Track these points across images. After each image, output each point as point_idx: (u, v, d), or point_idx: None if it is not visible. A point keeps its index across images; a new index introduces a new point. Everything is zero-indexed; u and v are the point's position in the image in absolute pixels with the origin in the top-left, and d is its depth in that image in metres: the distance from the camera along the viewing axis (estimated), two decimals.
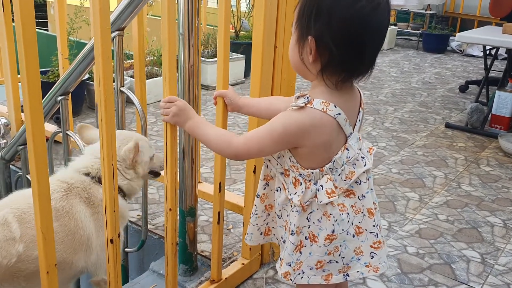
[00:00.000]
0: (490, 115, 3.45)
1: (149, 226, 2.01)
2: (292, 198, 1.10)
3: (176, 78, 1.26)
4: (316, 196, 1.08)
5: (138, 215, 2.14)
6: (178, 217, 1.72)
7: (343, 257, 1.12)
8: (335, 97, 1.04)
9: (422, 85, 4.81)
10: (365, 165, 1.10)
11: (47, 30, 6.25)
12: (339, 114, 1.03)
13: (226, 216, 2.19)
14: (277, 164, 1.13)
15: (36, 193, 0.98)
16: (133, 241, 2.01)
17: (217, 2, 1.52)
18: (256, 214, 1.23)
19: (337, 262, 1.12)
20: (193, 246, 1.75)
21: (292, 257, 1.13)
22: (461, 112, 3.93)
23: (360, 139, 1.11)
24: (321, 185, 1.07)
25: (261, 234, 1.26)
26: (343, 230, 1.09)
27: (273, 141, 1.06)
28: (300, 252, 1.12)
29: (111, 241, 1.16)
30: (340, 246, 1.11)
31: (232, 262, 1.77)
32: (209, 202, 2.20)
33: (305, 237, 1.11)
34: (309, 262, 1.12)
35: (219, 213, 1.52)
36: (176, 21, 1.50)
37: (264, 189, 1.20)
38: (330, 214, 1.08)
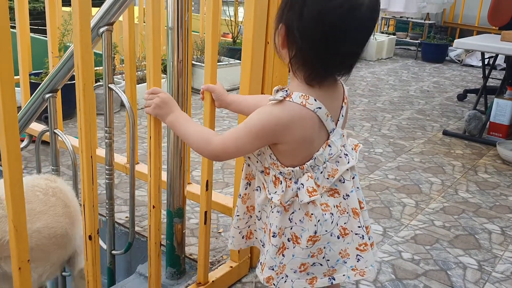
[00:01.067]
0: (488, 122, 3.41)
1: (137, 228, 1.96)
2: (272, 197, 1.05)
3: (160, 70, 1.21)
4: (297, 195, 1.02)
5: (126, 217, 2.09)
6: (166, 218, 1.67)
7: (328, 260, 1.07)
8: (315, 91, 0.99)
9: (420, 93, 4.78)
10: (348, 162, 1.05)
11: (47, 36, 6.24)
12: (320, 108, 0.98)
13: (217, 219, 2.14)
14: (257, 161, 1.08)
15: (8, 186, 0.94)
16: (120, 243, 1.95)
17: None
18: (238, 215, 1.18)
19: (321, 264, 1.07)
20: (180, 249, 1.70)
21: (275, 261, 1.07)
22: (459, 120, 3.89)
23: (344, 136, 1.06)
24: (302, 184, 1.02)
25: (243, 237, 1.21)
26: (326, 231, 1.04)
27: (252, 138, 1.00)
28: (283, 255, 1.07)
29: (89, 237, 1.11)
30: (324, 248, 1.05)
31: (220, 265, 1.71)
32: (200, 204, 2.14)
33: (288, 239, 1.06)
34: (292, 265, 1.06)
35: (206, 213, 1.47)
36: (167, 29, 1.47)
37: (245, 188, 1.15)
38: (312, 214, 1.02)
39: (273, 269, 1.07)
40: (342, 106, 1.05)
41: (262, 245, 1.14)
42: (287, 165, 1.03)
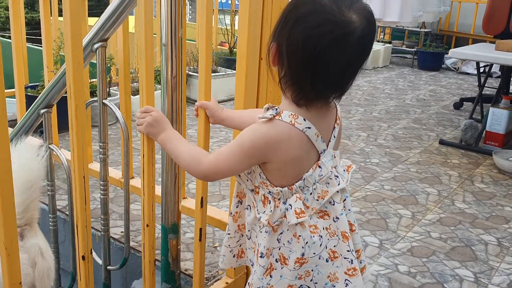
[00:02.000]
0: (484, 132, 3.42)
1: (132, 244, 1.95)
2: (260, 217, 1.03)
3: (153, 88, 1.21)
4: (285, 216, 1.01)
5: (121, 232, 2.08)
6: (160, 234, 1.67)
7: (316, 283, 1.05)
8: (305, 110, 0.98)
9: (417, 102, 4.79)
10: (339, 184, 1.03)
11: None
12: (309, 128, 0.97)
13: (213, 233, 2.13)
14: (247, 180, 1.07)
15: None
16: (115, 259, 1.94)
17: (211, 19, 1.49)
18: (229, 234, 1.17)
19: (309, 287, 1.06)
20: (176, 265, 1.69)
21: (262, 282, 1.06)
22: (455, 129, 3.90)
23: (335, 157, 1.05)
24: (290, 204, 1.01)
25: (234, 256, 1.20)
26: (314, 253, 1.02)
27: (242, 157, 1.00)
28: (271, 276, 1.05)
29: (83, 257, 1.10)
30: (312, 270, 1.03)
31: (216, 281, 1.71)
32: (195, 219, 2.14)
33: (276, 259, 1.04)
34: (280, 286, 1.04)
35: (201, 229, 1.46)
36: (155, 35, 1.47)
37: (237, 207, 1.14)
38: (300, 236, 1.01)
39: None
40: (334, 127, 1.04)
41: (252, 265, 1.13)
42: (276, 184, 1.02)
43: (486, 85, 3.87)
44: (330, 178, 1.02)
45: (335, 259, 1.04)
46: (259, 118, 0.99)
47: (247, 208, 1.09)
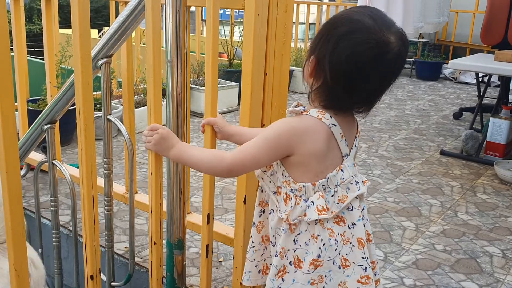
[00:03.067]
0: (485, 142, 3.43)
1: (136, 259, 1.94)
2: (281, 216, 1.05)
3: (161, 104, 1.21)
4: (305, 214, 1.03)
5: (125, 247, 2.07)
6: (166, 249, 1.66)
7: None
8: (332, 113, 1.03)
9: (416, 112, 4.80)
10: (359, 189, 1.06)
11: (43, 59, 6.27)
12: (334, 125, 1.01)
13: (217, 248, 2.12)
14: (269, 182, 1.09)
15: (9, 227, 0.93)
16: (120, 275, 1.93)
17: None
18: (253, 247, 1.17)
19: None
20: (181, 280, 1.68)
21: (273, 283, 1.06)
22: (456, 139, 3.91)
23: (355, 166, 1.08)
24: (312, 201, 1.03)
25: (259, 272, 1.19)
26: (329, 257, 1.03)
27: (268, 149, 1.02)
28: (282, 279, 1.05)
29: (91, 277, 1.10)
30: (325, 276, 1.04)
31: None
32: (199, 234, 2.13)
33: (290, 262, 1.05)
34: None
35: (207, 246, 1.45)
36: (163, 48, 1.48)
37: (260, 216, 1.15)
38: (318, 235, 1.02)
39: None
40: (355, 137, 1.09)
41: None
42: (298, 181, 1.04)
43: (485, 95, 3.88)
44: (351, 183, 1.05)
45: (346, 267, 1.05)
46: (288, 112, 1.03)
47: (270, 213, 1.11)
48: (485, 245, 2.26)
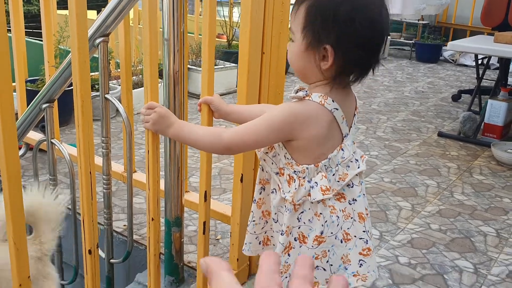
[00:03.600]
0: (482, 124, 3.44)
1: (135, 237, 1.97)
2: (285, 196, 1.07)
3: (157, 84, 1.22)
4: (309, 194, 1.05)
5: (124, 225, 2.10)
6: (164, 227, 1.68)
7: (331, 264, 1.08)
8: (334, 95, 1.03)
9: (415, 94, 4.80)
10: (358, 167, 1.08)
11: (42, 41, 6.23)
12: (337, 109, 1.02)
13: (215, 226, 2.15)
14: (272, 163, 1.10)
15: (8, 202, 0.94)
16: (118, 252, 1.96)
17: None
18: (254, 221, 1.20)
19: (324, 269, 1.09)
20: (179, 257, 1.71)
21: (281, 259, 1.09)
22: (454, 121, 3.92)
23: (354, 143, 1.10)
24: (316, 182, 1.05)
25: (259, 243, 1.23)
26: (332, 233, 1.06)
27: (270, 131, 1.03)
28: (289, 255, 1.09)
29: (89, 251, 1.12)
30: (329, 251, 1.08)
31: None
32: (198, 212, 2.15)
33: (294, 238, 1.08)
34: None
35: (204, 223, 1.48)
36: (161, 29, 1.48)
37: (260, 193, 1.17)
38: (321, 213, 1.05)
39: None
40: (354, 114, 1.10)
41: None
42: (301, 163, 1.05)
43: (484, 77, 3.88)
44: (351, 161, 1.07)
45: (348, 241, 1.08)
46: (291, 98, 1.03)
47: (272, 192, 1.12)
48: (480, 224, 2.29)
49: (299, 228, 1.07)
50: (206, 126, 1.18)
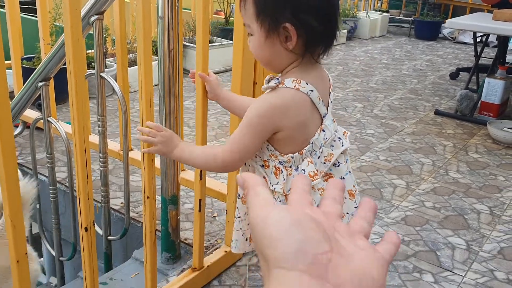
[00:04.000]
0: (479, 102, 3.44)
1: (132, 214, 1.99)
2: (274, 188, 1.06)
3: (151, 64, 1.22)
4: None
5: (121, 203, 2.12)
6: (160, 205, 1.70)
7: None
8: (306, 77, 1.01)
9: (413, 72, 4.79)
10: (342, 145, 1.08)
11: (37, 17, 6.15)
12: (312, 91, 1.01)
13: (211, 203, 2.17)
14: (255, 156, 1.09)
15: (3, 179, 0.96)
16: (116, 229, 1.98)
17: None
18: (239, 217, 1.19)
19: None
20: (175, 234, 1.74)
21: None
22: (451, 99, 3.92)
23: (334, 121, 1.09)
24: (303, 169, 1.04)
25: (246, 240, 1.21)
26: None
27: (254, 134, 1.01)
28: None
29: (86, 229, 1.14)
30: None
31: (215, 249, 1.75)
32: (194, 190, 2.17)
33: None
34: None
35: (200, 200, 1.49)
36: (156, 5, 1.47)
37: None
38: (312, 199, 1.05)
39: None
40: (330, 92, 1.08)
41: None
42: (285, 153, 1.05)
43: (482, 55, 3.87)
44: (334, 141, 1.06)
45: (341, 218, 1.08)
46: (263, 89, 1.02)
47: None
48: (474, 202, 2.32)
49: None
50: (206, 147, 1.14)
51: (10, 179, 0.95)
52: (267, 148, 1.06)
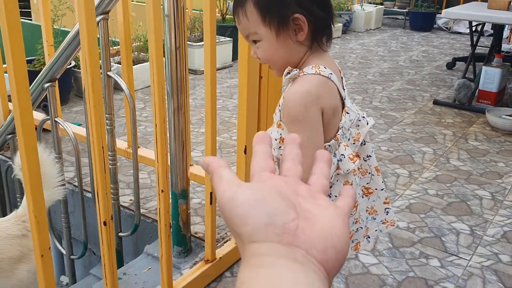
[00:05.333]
0: (477, 90, 3.48)
1: (141, 210, 2.02)
2: None
3: (163, 61, 1.25)
4: (338, 168, 1.05)
5: (130, 200, 2.15)
6: (170, 199, 1.73)
7: (363, 220, 1.14)
8: (321, 62, 1.02)
9: (410, 63, 4.83)
10: (367, 123, 1.09)
11: (31, 20, 6.16)
12: (331, 73, 1.01)
13: None
14: None
15: (27, 178, 0.99)
16: (126, 226, 2.01)
17: None
18: None
19: (361, 228, 1.14)
20: (186, 228, 1.77)
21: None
22: (449, 89, 3.96)
23: (352, 103, 1.11)
24: (343, 154, 1.04)
25: None
26: (358, 194, 1.11)
27: (311, 126, 0.99)
28: None
29: (104, 223, 1.17)
30: (361, 210, 1.13)
31: (226, 242, 1.79)
32: (201, 185, 2.21)
33: None
34: None
35: (211, 193, 1.53)
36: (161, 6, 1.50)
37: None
38: (348, 180, 1.06)
39: None
40: (342, 77, 1.10)
41: None
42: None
43: (478, 44, 3.90)
44: (359, 120, 1.08)
45: (370, 194, 1.14)
46: (286, 82, 1.01)
47: None
48: (476, 188, 2.36)
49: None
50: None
51: (33, 176, 0.98)
52: None
